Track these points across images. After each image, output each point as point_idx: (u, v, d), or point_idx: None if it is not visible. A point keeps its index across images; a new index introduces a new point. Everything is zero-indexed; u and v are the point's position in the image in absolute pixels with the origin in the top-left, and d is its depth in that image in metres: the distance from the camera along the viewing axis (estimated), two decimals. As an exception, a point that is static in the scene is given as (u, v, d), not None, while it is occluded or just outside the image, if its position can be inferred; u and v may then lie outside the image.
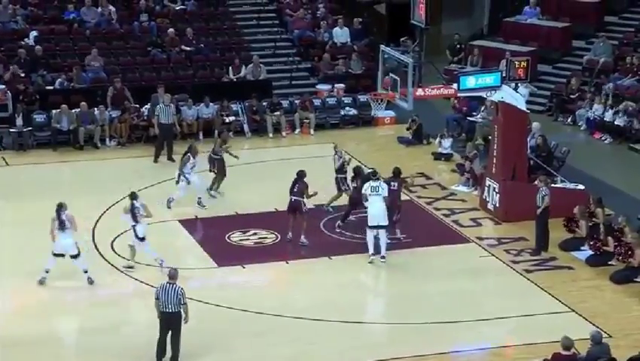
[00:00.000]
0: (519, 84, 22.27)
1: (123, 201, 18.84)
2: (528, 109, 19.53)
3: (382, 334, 14.15)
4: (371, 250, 16.26)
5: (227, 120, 23.34)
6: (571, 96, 25.14)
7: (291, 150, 22.53)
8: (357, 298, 15.19)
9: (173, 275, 12.91)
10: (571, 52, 27.45)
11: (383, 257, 16.24)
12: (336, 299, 15.08)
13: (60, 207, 15.05)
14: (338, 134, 23.87)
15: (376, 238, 16.18)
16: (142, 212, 15.56)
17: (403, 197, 18.85)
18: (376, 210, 16.10)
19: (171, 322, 12.79)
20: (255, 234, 17.55)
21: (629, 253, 15.76)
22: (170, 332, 12.83)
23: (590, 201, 17.60)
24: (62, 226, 14.95)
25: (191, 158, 18.31)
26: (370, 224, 16.22)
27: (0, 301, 15.13)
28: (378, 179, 16.53)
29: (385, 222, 16.18)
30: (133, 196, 15.63)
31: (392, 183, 17.02)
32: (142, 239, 15.57)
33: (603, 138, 23.47)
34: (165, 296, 12.71)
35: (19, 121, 22.27)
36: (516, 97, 18.68)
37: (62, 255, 15.08)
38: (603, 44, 26.19)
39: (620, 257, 15.93)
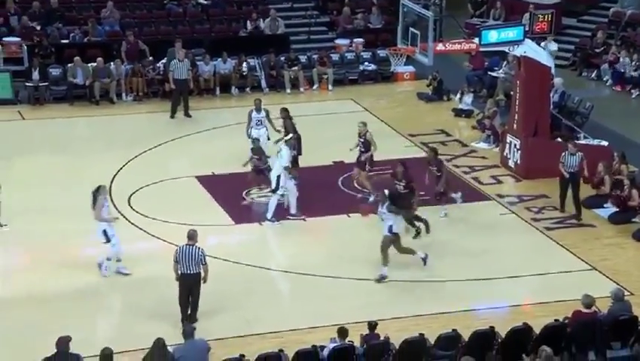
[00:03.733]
0: (548, 40, 22.10)
1: (141, 156, 19.05)
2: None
3: (399, 291, 14.20)
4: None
5: (244, 73, 23.21)
6: (596, 50, 24.87)
7: (309, 105, 22.45)
8: (374, 255, 15.20)
9: (192, 236, 12.88)
10: (597, 4, 27.08)
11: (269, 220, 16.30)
12: (354, 257, 15.11)
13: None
14: (357, 89, 23.80)
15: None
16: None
17: (422, 153, 18.84)
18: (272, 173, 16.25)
19: (191, 283, 12.79)
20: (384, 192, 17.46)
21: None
22: (190, 293, 12.86)
23: (614, 157, 17.48)
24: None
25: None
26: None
27: (15, 258, 15.31)
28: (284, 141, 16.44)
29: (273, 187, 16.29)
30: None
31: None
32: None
33: (630, 93, 23.23)
34: (185, 258, 12.70)
35: (35, 75, 22.30)
36: (539, 51, 18.50)
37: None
38: (631, -5, 25.83)
39: None
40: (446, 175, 16.53)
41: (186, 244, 12.82)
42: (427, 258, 14.64)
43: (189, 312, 12.93)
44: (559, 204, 16.81)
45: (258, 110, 18.26)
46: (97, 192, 14.33)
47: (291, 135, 16.72)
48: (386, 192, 14.87)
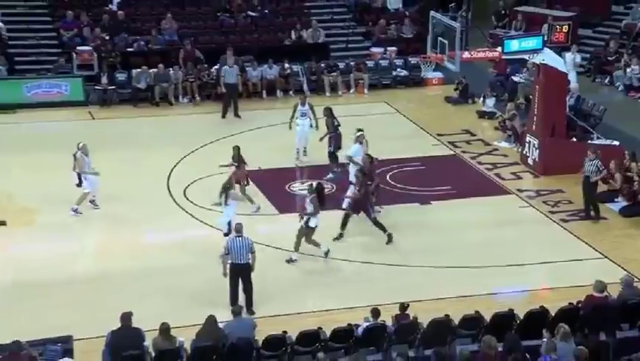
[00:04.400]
0: (572, 51, 21.73)
1: (195, 152, 19.15)
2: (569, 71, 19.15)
3: (429, 276, 14.11)
4: None
5: (287, 73, 23.17)
6: (609, 58, 24.50)
7: (346, 107, 22.36)
8: (405, 243, 15.15)
9: (239, 229, 12.80)
10: (610, 16, 26.69)
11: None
12: (386, 245, 15.05)
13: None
14: (390, 93, 23.70)
15: None
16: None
17: (448, 152, 18.79)
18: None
19: (242, 273, 12.66)
20: (312, 185, 17.52)
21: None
22: (242, 282, 12.71)
23: (625, 156, 17.21)
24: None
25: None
26: None
27: (84, 242, 15.52)
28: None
29: None
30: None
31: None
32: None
33: (638, 97, 22.90)
34: (236, 249, 12.60)
35: (104, 80, 22.56)
36: (556, 59, 18.27)
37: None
38: (641, 9, 25.43)
39: None
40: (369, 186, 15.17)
41: (235, 236, 12.76)
42: (329, 252, 14.22)
43: (245, 302, 12.68)
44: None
45: (303, 104, 18.48)
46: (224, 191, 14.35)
47: (361, 132, 16.49)
48: (313, 184, 14.65)
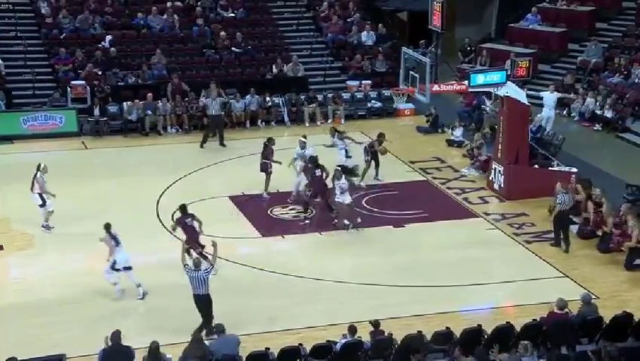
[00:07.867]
0: (551, 91, 22.00)
1: (183, 178, 19.06)
2: (530, 103, 19.31)
3: (400, 295, 14.07)
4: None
5: (269, 105, 23.26)
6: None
7: (325, 136, 22.33)
8: (379, 264, 15.13)
9: (197, 264, 12.48)
10: (567, 53, 27.07)
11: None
12: (362, 265, 15.03)
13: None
14: (365, 123, 23.78)
15: None
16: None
17: (419, 177, 18.85)
18: None
19: (202, 302, 12.30)
20: (293, 209, 17.53)
21: (602, 220, 15.60)
22: (203, 310, 12.37)
23: (572, 180, 17.19)
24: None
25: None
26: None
27: (75, 264, 15.33)
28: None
29: None
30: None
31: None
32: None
33: (595, 128, 23.17)
34: (194, 282, 12.26)
35: (96, 112, 22.48)
36: (519, 92, 18.45)
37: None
38: (595, 47, 25.79)
39: (595, 225, 15.76)
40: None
41: (194, 270, 12.34)
42: None
43: (203, 321, 12.34)
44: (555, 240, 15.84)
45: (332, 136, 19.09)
46: None
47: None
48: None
